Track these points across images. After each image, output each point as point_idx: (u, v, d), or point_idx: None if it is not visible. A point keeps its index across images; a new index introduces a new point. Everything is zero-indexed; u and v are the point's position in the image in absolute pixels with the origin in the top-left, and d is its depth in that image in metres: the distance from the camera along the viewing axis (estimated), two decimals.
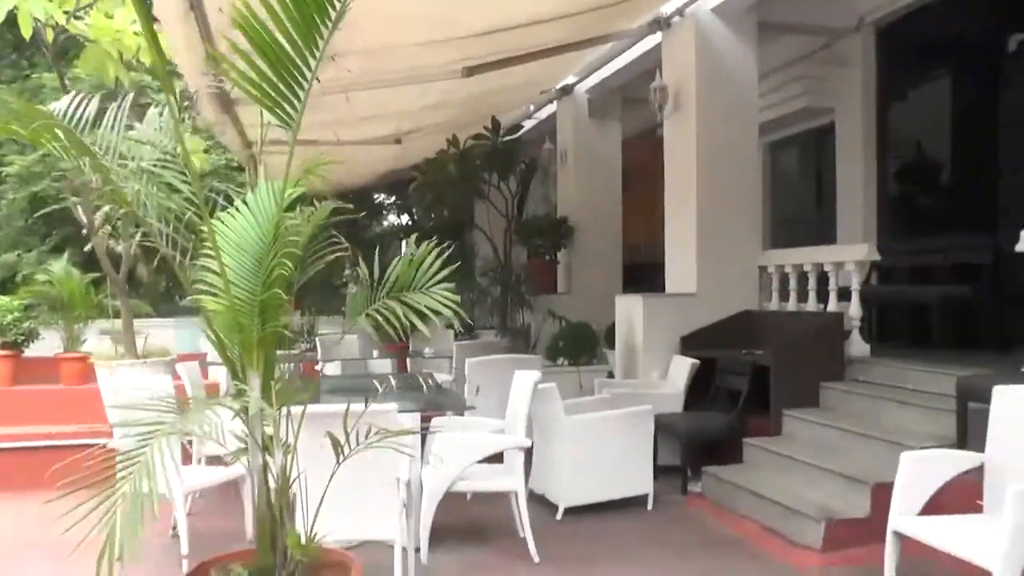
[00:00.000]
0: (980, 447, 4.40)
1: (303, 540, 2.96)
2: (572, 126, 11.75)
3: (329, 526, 3.15)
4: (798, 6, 8.41)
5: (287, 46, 2.69)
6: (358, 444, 3.03)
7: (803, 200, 11.01)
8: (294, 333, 10.82)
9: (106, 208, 7.12)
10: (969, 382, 5.07)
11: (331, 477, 3.07)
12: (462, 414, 5.68)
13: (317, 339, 9.73)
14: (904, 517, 4.04)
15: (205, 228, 2.94)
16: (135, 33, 6.61)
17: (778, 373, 6.74)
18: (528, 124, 13.52)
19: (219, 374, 8.43)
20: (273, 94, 2.80)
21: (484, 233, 12.02)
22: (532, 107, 13.05)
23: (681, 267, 8.39)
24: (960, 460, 4.25)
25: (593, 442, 6.07)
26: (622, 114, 11.91)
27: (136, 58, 6.49)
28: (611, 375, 8.62)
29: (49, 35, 6.77)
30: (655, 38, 9.01)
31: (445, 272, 3.24)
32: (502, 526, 5.62)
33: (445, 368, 9.44)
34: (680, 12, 8.40)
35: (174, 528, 5.42)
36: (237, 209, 3.08)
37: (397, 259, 3.32)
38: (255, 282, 2.97)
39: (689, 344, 7.90)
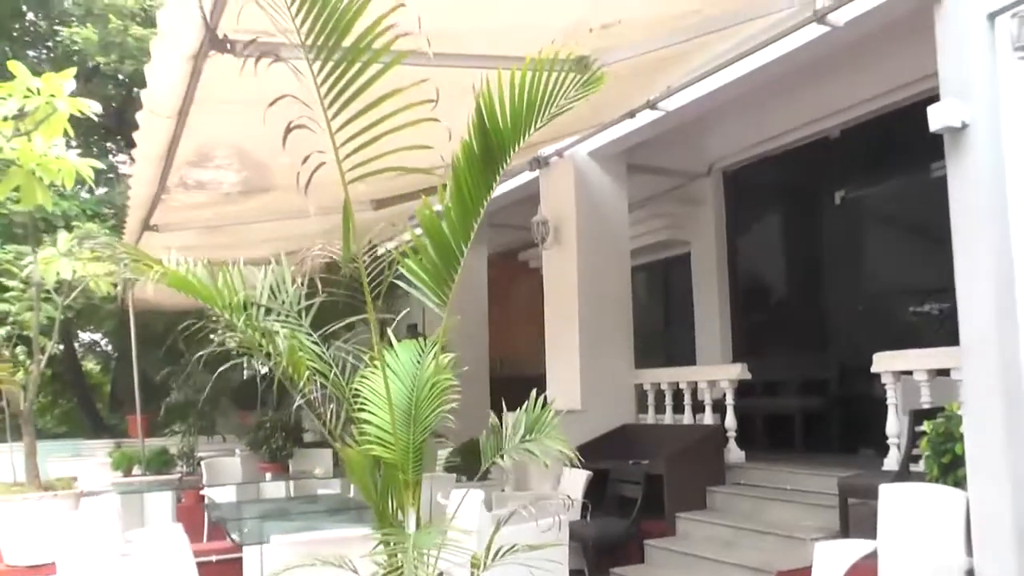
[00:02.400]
0: (860, 536, 5.25)
1: None
2: None
3: None
4: (659, 152, 9.59)
5: (451, 240, 3.17)
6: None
7: (658, 320, 12.12)
8: (170, 456, 10.55)
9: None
10: (848, 481, 5.97)
11: None
12: None
13: (203, 463, 9.52)
14: None
15: (355, 384, 3.32)
16: (57, 157, 6.71)
17: (671, 480, 7.47)
18: (390, 245, 14.07)
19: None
20: (436, 280, 3.26)
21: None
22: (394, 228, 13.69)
23: (566, 385, 9.08)
24: (859, 547, 5.01)
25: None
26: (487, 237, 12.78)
27: (63, 184, 6.56)
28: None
29: None
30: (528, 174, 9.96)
31: (556, 419, 3.70)
32: None
33: (337, 488, 9.51)
34: (559, 153, 9.38)
35: None
36: (377, 367, 3.43)
37: (523, 407, 3.75)
38: (407, 431, 3.33)
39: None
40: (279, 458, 10.44)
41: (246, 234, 9.06)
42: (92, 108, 6.46)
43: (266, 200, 7.39)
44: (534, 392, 3.79)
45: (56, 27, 14.59)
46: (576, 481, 8.12)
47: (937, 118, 4.17)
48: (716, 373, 8.25)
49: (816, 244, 9.33)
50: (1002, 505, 4.05)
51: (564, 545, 5.30)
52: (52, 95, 6.41)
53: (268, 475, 9.20)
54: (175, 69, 4.29)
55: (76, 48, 14.10)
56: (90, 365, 20.08)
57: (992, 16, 4.31)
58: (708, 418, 8.24)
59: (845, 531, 5.93)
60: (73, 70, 6.12)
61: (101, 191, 14.66)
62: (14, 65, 5.91)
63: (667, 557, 6.99)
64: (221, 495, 9.22)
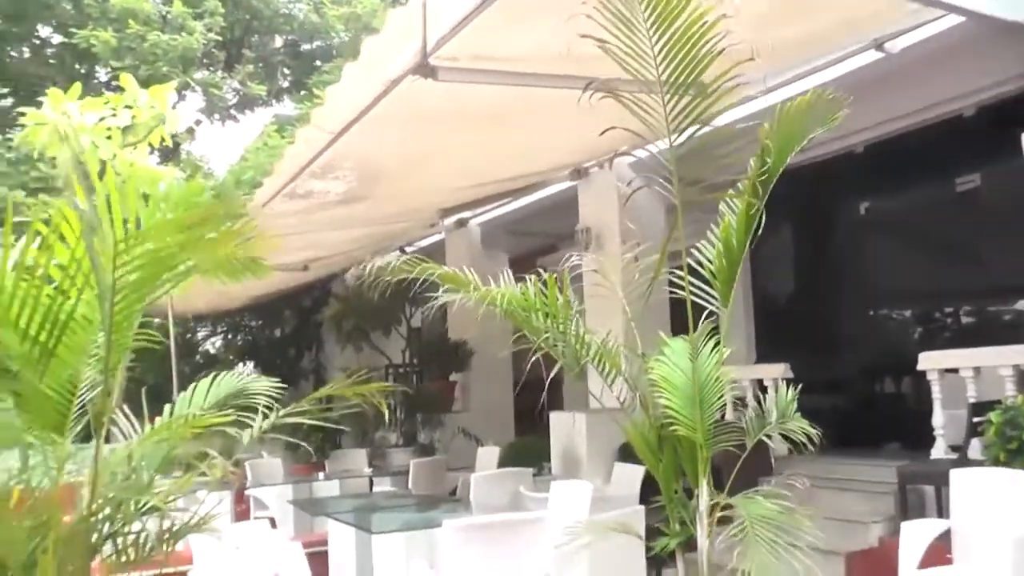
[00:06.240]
0: (918, 517, 5.91)
1: None
2: (466, 255, 12.85)
3: None
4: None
5: (735, 246, 3.72)
6: None
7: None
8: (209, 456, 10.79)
9: None
10: (906, 469, 6.63)
11: None
12: None
13: (247, 464, 9.69)
14: (911, 571, 5.38)
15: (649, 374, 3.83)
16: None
17: (726, 470, 8.04)
18: (409, 250, 14.51)
19: None
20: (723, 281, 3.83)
21: (382, 353, 12.72)
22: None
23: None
24: (937, 526, 5.67)
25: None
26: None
27: None
28: None
29: None
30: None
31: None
32: None
33: (389, 484, 9.85)
34: (600, 164, 9.93)
35: None
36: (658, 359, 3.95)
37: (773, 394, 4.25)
38: (693, 412, 3.84)
39: (625, 452, 9.08)
40: (317, 459, 10.78)
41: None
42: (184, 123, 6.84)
43: (348, 210, 7.79)
44: None
45: (72, 29, 14.59)
46: (630, 476, 8.66)
47: None
48: (761, 372, 8.85)
49: (840, 253, 10.01)
50: None
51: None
52: (153, 107, 6.81)
53: (321, 475, 9.47)
54: (367, 91, 4.69)
55: (94, 50, 14.20)
56: None
57: None
58: (751, 413, 8.83)
59: (904, 514, 6.57)
60: (173, 83, 6.50)
61: None
62: (125, 79, 6.27)
63: (731, 542, 7.56)
64: (269, 496, 9.36)
